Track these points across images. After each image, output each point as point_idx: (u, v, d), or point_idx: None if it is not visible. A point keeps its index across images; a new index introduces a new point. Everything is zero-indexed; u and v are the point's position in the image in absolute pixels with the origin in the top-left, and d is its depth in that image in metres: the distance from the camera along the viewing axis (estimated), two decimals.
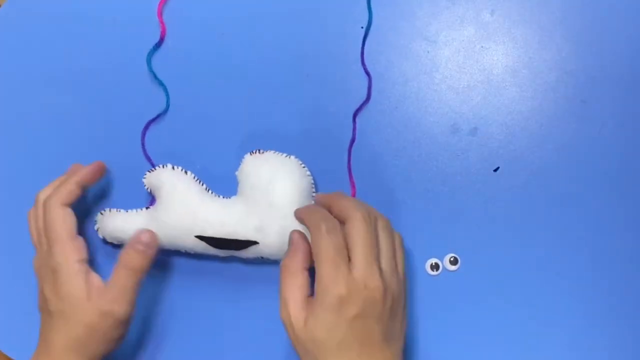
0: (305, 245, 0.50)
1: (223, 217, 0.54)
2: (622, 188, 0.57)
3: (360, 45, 0.59)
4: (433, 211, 0.57)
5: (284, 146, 0.57)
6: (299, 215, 0.51)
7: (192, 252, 0.56)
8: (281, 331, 0.48)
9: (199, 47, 0.61)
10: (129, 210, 0.56)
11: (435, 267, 0.57)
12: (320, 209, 0.50)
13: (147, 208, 0.56)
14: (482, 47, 0.59)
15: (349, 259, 0.47)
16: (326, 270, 0.46)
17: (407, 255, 0.56)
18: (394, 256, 0.49)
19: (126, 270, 0.51)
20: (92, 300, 0.50)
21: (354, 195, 0.58)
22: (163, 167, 0.56)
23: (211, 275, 0.58)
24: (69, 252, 0.51)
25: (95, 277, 0.52)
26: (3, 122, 0.61)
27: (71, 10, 0.62)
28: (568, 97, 0.58)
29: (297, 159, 0.56)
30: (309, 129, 0.59)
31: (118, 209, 0.56)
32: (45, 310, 0.52)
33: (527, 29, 0.59)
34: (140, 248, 0.52)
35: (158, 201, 0.55)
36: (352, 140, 0.59)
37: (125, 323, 0.52)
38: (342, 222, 0.48)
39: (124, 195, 0.59)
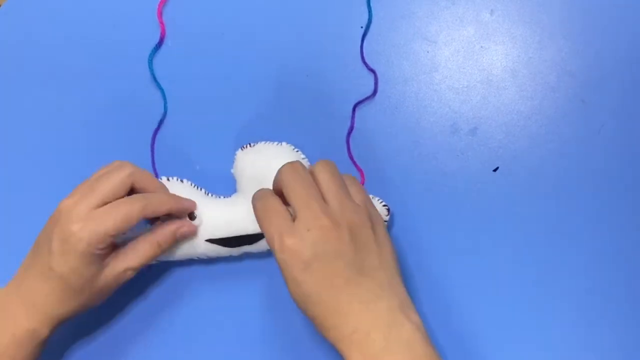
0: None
1: (228, 216, 0.54)
2: (622, 188, 0.57)
3: (359, 45, 0.59)
4: (433, 211, 0.57)
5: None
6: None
7: (205, 258, 0.55)
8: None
9: (198, 46, 0.61)
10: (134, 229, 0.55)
11: None
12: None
13: (150, 223, 0.55)
14: (481, 47, 0.59)
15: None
16: (265, 227, 0.46)
17: (407, 255, 0.56)
18: (340, 190, 0.47)
19: (156, 247, 0.52)
20: (105, 268, 0.50)
21: (363, 181, 0.58)
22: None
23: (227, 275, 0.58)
24: (102, 239, 0.49)
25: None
26: (3, 122, 0.61)
27: (70, 10, 0.62)
28: (568, 97, 0.58)
29: (289, 145, 0.55)
30: (309, 129, 0.59)
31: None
32: (47, 266, 0.49)
33: (527, 28, 0.59)
34: (177, 235, 0.52)
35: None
36: (351, 129, 0.59)
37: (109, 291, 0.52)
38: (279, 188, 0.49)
39: None
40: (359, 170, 0.58)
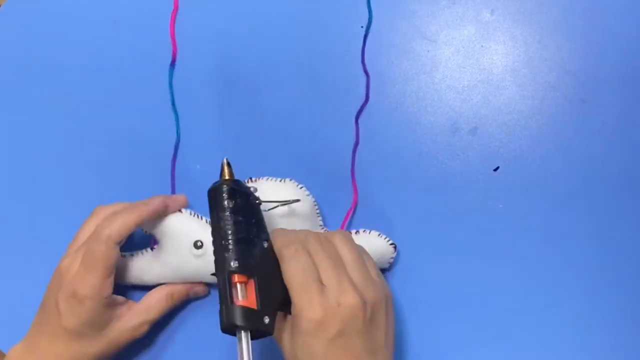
0: None
1: None
2: (623, 187, 0.57)
3: (360, 45, 0.59)
4: (433, 210, 0.57)
5: (285, 149, 0.58)
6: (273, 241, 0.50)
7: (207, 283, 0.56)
8: None
9: (206, 60, 0.61)
10: (134, 254, 0.55)
11: None
12: (286, 231, 0.50)
13: (152, 249, 0.55)
14: (482, 46, 0.59)
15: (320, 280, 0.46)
16: (298, 296, 0.45)
17: (407, 255, 0.56)
18: (362, 265, 0.48)
19: (170, 301, 0.54)
20: (118, 320, 0.52)
21: (355, 201, 0.57)
22: None
23: None
24: (103, 287, 0.51)
25: (119, 298, 0.53)
26: (3, 122, 0.61)
27: (71, 10, 0.62)
28: (568, 97, 0.58)
29: (292, 182, 0.54)
30: (311, 129, 0.59)
31: (123, 254, 0.55)
32: (59, 323, 0.51)
33: (527, 28, 0.59)
34: (190, 294, 0.56)
35: (160, 245, 0.54)
36: (356, 144, 0.58)
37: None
38: None
39: None
40: (355, 188, 0.57)
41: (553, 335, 0.55)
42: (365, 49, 0.59)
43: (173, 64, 0.60)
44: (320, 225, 0.55)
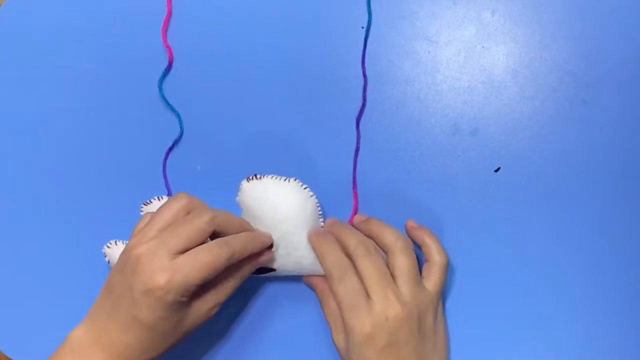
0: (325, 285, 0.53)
1: None
2: (624, 188, 0.57)
3: (361, 46, 0.59)
4: (434, 212, 0.57)
5: (286, 151, 0.58)
6: (316, 253, 0.53)
7: None
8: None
9: (204, 62, 0.61)
10: None
11: None
12: (335, 248, 0.52)
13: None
14: (483, 47, 0.59)
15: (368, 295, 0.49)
16: (347, 313, 0.49)
17: None
18: (415, 275, 0.51)
19: (235, 279, 0.51)
20: (194, 307, 0.49)
21: (355, 208, 0.58)
22: (159, 199, 0.55)
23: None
24: (187, 290, 0.47)
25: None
26: (3, 123, 0.61)
27: (71, 10, 0.62)
28: (569, 98, 0.58)
29: (296, 182, 0.53)
30: (312, 132, 0.59)
31: (124, 241, 0.55)
32: (133, 316, 0.47)
33: (528, 29, 0.59)
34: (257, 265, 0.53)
35: None
36: (357, 149, 0.58)
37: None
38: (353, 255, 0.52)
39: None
40: (355, 195, 0.58)
41: (554, 333, 0.55)
42: (366, 50, 0.59)
43: (169, 67, 0.60)
44: (322, 226, 0.55)
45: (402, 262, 0.51)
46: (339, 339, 0.51)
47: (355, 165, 0.58)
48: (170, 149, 0.60)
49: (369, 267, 0.50)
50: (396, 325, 0.48)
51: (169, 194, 0.59)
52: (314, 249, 0.53)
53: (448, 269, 0.54)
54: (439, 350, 0.52)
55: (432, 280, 0.52)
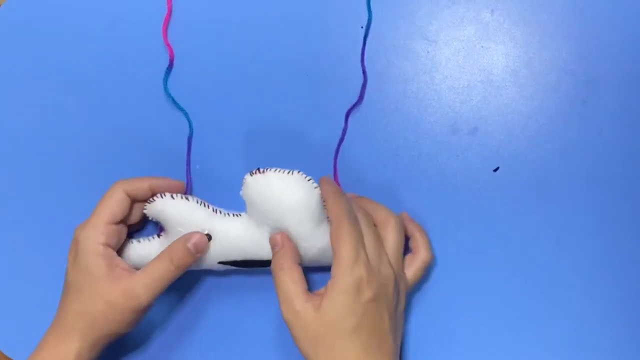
0: (291, 244, 0.51)
1: (242, 242, 0.53)
2: (623, 188, 0.57)
3: (360, 45, 0.59)
4: (433, 211, 0.57)
5: (285, 145, 0.58)
6: (327, 203, 0.51)
7: (215, 270, 0.56)
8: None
9: (205, 60, 0.61)
10: (142, 240, 0.55)
11: None
12: (345, 201, 0.50)
13: (158, 236, 0.55)
14: (482, 46, 0.59)
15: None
16: (348, 252, 0.47)
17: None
18: (400, 254, 0.52)
19: (168, 263, 0.52)
20: (116, 280, 0.51)
21: None
22: (162, 196, 0.54)
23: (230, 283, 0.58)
24: (98, 233, 0.52)
25: (120, 261, 0.52)
26: (3, 123, 0.61)
27: (71, 10, 0.62)
28: (568, 97, 0.58)
29: (300, 174, 0.52)
30: (310, 130, 0.59)
31: (131, 240, 0.55)
32: (65, 280, 0.53)
33: (528, 28, 0.59)
34: (189, 247, 0.52)
35: (166, 232, 0.54)
36: (341, 140, 0.59)
37: (142, 312, 0.52)
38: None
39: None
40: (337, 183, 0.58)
41: (554, 333, 0.55)
42: (365, 49, 0.59)
43: (170, 66, 0.60)
44: (327, 218, 0.55)
45: (392, 237, 0.52)
46: (300, 303, 0.48)
47: (337, 154, 0.58)
48: (189, 148, 0.60)
49: (370, 230, 0.50)
50: (386, 282, 0.49)
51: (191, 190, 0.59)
52: (328, 205, 0.51)
53: (427, 269, 0.54)
54: (401, 335, 0.52)
55: (411, 271, 0.53)
